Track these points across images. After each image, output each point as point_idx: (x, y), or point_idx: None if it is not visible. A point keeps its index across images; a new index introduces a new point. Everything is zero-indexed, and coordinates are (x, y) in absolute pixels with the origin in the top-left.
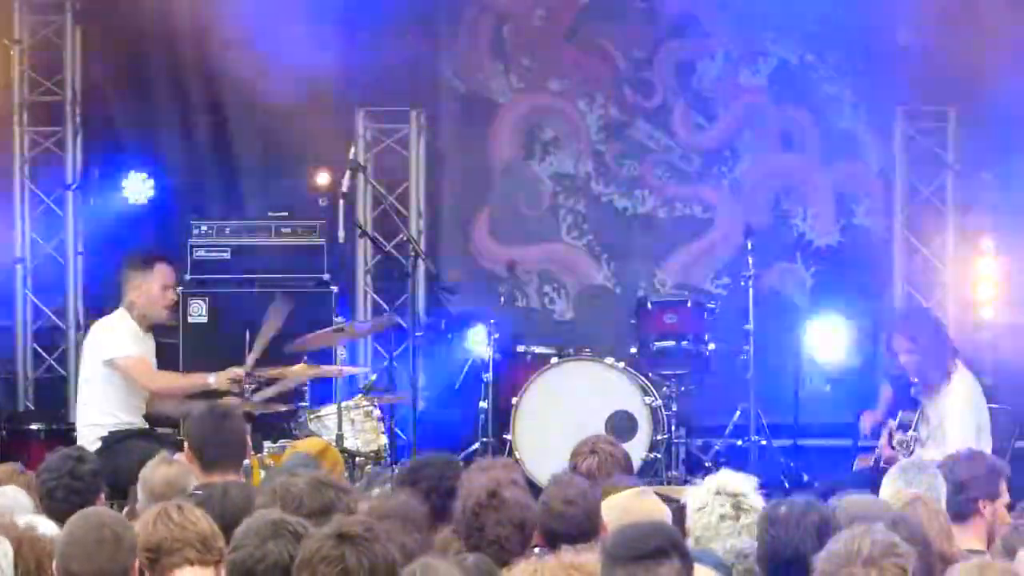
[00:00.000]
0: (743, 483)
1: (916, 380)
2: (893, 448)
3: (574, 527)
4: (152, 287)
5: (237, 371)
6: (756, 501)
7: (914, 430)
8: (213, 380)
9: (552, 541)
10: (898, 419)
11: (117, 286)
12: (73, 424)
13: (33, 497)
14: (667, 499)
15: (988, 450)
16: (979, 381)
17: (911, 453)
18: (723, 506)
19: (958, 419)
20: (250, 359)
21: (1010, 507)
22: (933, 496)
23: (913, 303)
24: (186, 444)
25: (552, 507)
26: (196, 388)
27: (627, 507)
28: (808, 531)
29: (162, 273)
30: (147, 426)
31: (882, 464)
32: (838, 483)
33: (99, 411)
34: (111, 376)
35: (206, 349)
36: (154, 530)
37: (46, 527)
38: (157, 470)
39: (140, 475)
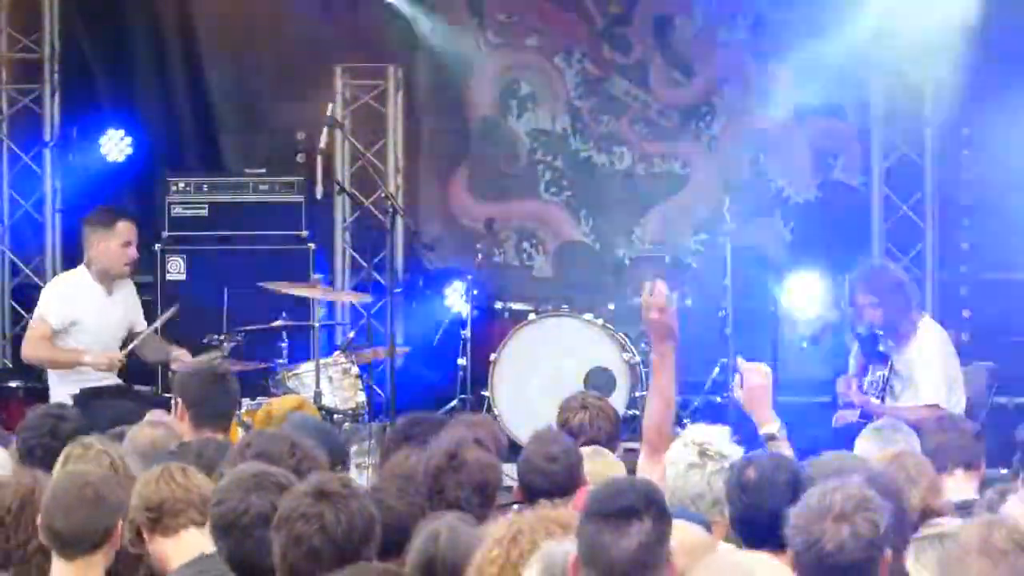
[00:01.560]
0: (711, 432)
1: (883, 333)
2: (865, 392)
3: (555, 483)
4: (112, 244)
5: (115, 355)
6: (725, 448)
7: (887, 384)
8: (90, 359)
9: (532, 497)
10: (869, 375)
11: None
12: None
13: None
14: None
15: (962, 402)
16: (958, 338)
17: (883, 390)
18: (691, 456)
19: (928, 369)
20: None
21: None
22: None
23: (876, 260)
24: (181, 401)
25: (534, 463)
26: (68, 364)
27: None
28: (781, 490)
29: (124, 230)
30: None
31: (863, 414)
32: (817, 439)
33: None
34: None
35: (183, 306)
36: (156, 489)
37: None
38: (143, 432)
39: (127, 436)
